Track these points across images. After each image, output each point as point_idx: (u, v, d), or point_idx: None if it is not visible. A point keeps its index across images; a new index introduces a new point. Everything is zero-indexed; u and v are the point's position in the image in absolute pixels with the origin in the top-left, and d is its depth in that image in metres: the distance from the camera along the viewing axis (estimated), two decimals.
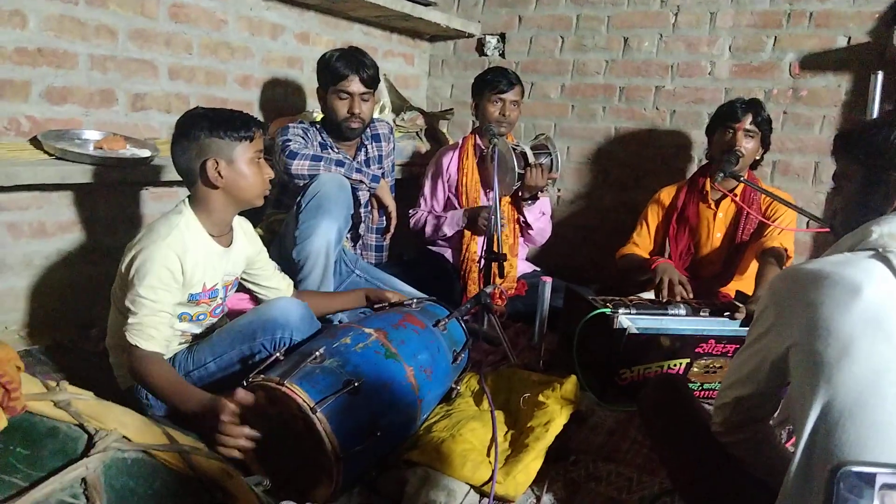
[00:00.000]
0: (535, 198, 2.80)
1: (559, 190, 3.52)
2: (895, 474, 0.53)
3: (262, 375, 1.44)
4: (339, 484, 1.40)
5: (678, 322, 2.14)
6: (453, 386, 1.87)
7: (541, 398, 1.79)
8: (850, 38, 2.81)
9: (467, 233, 2.85)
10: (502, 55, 3.59)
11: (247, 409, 1.39)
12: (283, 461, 1.48)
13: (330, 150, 2.52)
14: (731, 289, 2.58)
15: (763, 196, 2.57)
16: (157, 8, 2.48)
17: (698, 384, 2.14)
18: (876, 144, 1.16)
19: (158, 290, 1.59)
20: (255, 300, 2.03)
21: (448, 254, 2.97)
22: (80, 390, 1.25)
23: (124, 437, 1.17)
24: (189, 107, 2.60)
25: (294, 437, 1.41)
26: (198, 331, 1.83)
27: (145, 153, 2.28)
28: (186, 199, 1.73)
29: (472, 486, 1.53)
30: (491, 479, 1.51)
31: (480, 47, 3.65)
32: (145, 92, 2.51)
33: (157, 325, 1.59)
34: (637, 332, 2.03)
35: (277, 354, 1.55)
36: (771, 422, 1.31)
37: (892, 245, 1.04)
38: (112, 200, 2.48)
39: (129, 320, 1.58)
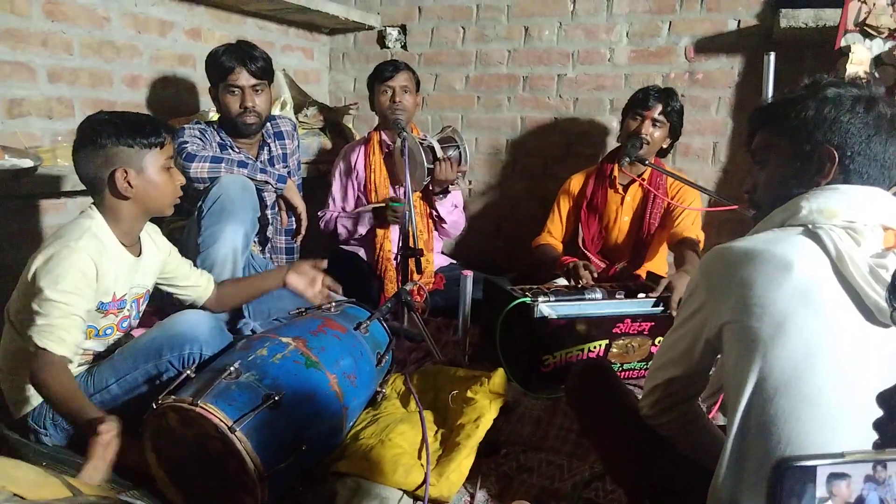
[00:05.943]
0: (446, 191, 2.77)
1: (470, 182, 3.51)
2: (839, 464, 0.52)
3: (172, 396, 1.36)
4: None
5: (595, 306, 2.16)
6: (378, 389, 1.82)
7: (469, 394, 1.76)
8: (739, 22, 2.92)
9: (380, 231, 2.78)
10: (404, 47, 3.54)
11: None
12: (202, 484, 1.40)
13: (230, 151, 2.40)
14: (642, 272, 2.64)
15: (669, 181, 2.63)
16: (29, 5, 2.28)
17: (618, 365, 2.18)
18: (806, 117, 1.15)
19: (70, 294, 1.48)
20: (160, 314, 1.91)
21: (362, 252, 2.90)
22: None
23: (15, 495, 1.02)
24: (73, 111, 2.44)
25: (213, 458, 1.33)
26: (101, 349, 1.71)
27: (27, 163, 2.10)
28: (93, 206, 1.63)
29: (405, 492, 1.50)
30: (424, 482, 1.48)
31: (382, 40, 3.59)
32: (22, 97, 2.31)
33: (69, 327, 1.47)
34: (556, 317, 2.06)
35: (188, 372, 1.47)
36: (700, 398, 1.32)
37: (822, 221, 1.06)
38: None
39: (37, 322, 1.46)
